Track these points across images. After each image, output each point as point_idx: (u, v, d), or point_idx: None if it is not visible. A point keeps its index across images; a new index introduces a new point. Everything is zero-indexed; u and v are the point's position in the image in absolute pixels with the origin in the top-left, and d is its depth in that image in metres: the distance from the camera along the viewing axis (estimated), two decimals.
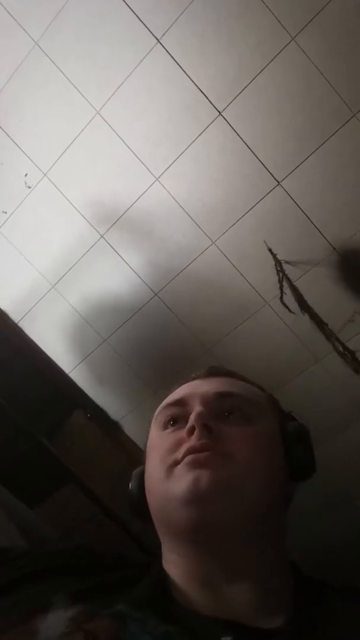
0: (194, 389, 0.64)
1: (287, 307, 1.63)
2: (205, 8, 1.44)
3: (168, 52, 1.49)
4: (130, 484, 0.66)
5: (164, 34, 1.48)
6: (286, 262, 1.69)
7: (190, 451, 0.54)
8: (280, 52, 1.45)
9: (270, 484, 0.56)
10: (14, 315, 1.95)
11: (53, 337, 1.97)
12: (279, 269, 1.61)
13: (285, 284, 1.60)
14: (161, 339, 1.90)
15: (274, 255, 1.61)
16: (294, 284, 1.60)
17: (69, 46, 1.53)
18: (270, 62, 1.47)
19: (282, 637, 0.48)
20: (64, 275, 1.86)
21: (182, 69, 1.51)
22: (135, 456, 1.87)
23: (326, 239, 1.66)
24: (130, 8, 1.47)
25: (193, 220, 1.70)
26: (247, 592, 0.51)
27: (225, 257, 1.74)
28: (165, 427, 0.62)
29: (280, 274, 1.59)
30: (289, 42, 1.44)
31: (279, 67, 1.47)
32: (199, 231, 1.71)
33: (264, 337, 1.80)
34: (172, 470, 0.55)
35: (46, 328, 1.96)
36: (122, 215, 1.73)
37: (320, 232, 1.66)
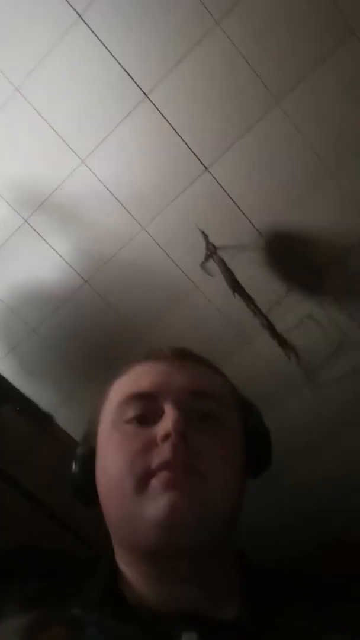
0: (164, 379, 0.59)
1: (206, 271, 1.65)
2: None
3: (90, 28, 1.43)
4: (73, 467, 0.62)
5: (85, 8, 1.41)
6: (215, 246, 1.72)
7: (165, 466, 0.51)
8: (204, 36, 1.45)
9: (239, 494, 0.56)
10: None
11: None
12: (210, 251, 1.63)
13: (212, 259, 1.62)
14: (93, 327, 1.86)
15: (205, 237, 1.63)
16: (228, 266, 1.63)
17: None
18: (195, 45, 1.46)
19: (238, 627, 0.48)
20: None
21: (106, 47, 1.46)
22: (70, 448, 1.83)
23: (252, 225, 1.70)
24: None
25: (122, 205, 1.67)
26: (200, 587, 0.51)
27: (156, 242, 1.73)
28: (130, 421, 0.57)
29: (210, 255, 1.61)
30: (213, 26, 1.44)
31: (204, 51, 1.47)
32: (128, 216, 1.69)
33: (195, 321, 1.82)
34: (143, 485, 0.51)
35: None
36: (46, 198, 1.65)
37: (247, 217, 1.69)
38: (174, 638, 0.44)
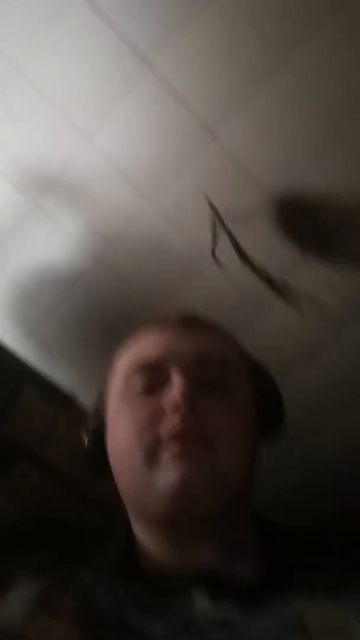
0: (170, 348, 0.58)
1: (218, 260, 1.62)
2: None
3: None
4: (85, 441, 0.63)
5: None
6: (225, 216, 1.68)
7: (175, 435, 0.51)
8: None
9: (251, 461, 0.56)
10: None
11: None
12: (218, 222, 1.59)
13: (221, 236, 1.58)
14: (107, 305, 1.86)
15: (213, 208, 1.59)
16: (234, 237, 1.60)
17: None
18: (197, 8, 1.40)
19: (254, 585, 0.48)
20: None
21: (105, 17, 1.41)
22: None
23: (264, 190, 1.66)
24: None
25: (129, 181, 1.64)
26: (216, 551, 0.52)
27: (165, 216, 1.70)
28: (137, 391, 0.57)
29: (218, 227, 1.58)
30: None
31: (206, 14, 1.40)
32: (136, 192, 1.66)
33: (210, 293, 1.80)
34: (153, 456, 0.51)
35: None
36: (53, 179, 1.64)
37: (257, 183, 1.65)
38: (185, 597, 0.44)
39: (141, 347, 0.61)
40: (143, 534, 0.55)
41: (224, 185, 1.64)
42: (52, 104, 1.53)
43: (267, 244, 1.72)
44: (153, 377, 0.56)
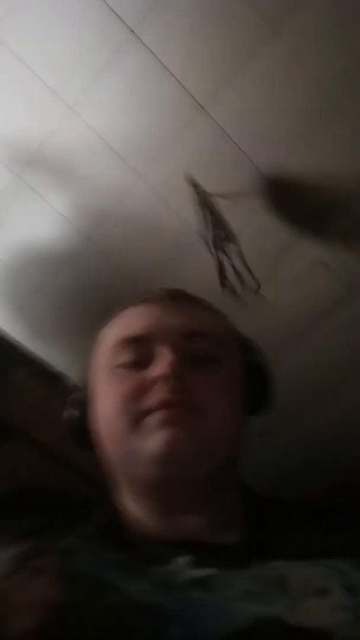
0: (157, 322, 0.57)
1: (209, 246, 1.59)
2: None
3: None
4: (68, 412, 0.62)
5: None
6: (217, 194, 1.66)
7: (162, 405, 0.51)
8: None
9: (238, 430, 0.56)
10: None
11: None
12: (203, 203, 1.56)
13: (210, 218, 1.55)
14: (97, 283, 1.84)
15: (196, 189, 1.56)
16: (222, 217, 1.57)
17: None
18: None
19: (237, 549, 0.49)
20: None
21: None
22: None
23: (256, 167, 1.63)
24: None
25: (117, 154, 1.61)
26: (202, 517, 0.52)
27: (155, 192, 1.67)
28: (123, 365, 0.56)
29: (204, 209, 1.55)
30: None
31: None
32: (125, 166, 1.62)
33: (201, 271, 1.78)
34: (139, 422, 0.51)
35: None
36: (38, 153, 1.60)
37: (249, 159, 1.62)
38: (169, 562, 0.44)
39: (129, 321, 0.60)
40: (130, 503, 0.55)
41: (215, 160, 1.62)
42: (35, 74, 1.47)
43: (258, 222, 1.70)
44: (140, 351, 0.56)
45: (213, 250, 1.57)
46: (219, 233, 1.55)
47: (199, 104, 1.52)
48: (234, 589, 0.41)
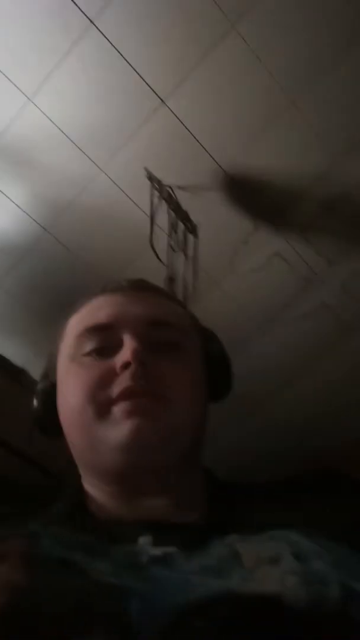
0: (121, 311, 0.58)
1: (154, 251, 1.60)
2: None
3: None
4: (35, 402, 0.63)
5: None
6: (178, 187, 1.67)
7: (127, 393, 0.52)
8: None
9: (202, 416, 0.58)
10: None
11: None
12: (159, 197, 1.56)
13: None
14: (58, 277, 1.82)
15: (150, 179, 1.56)
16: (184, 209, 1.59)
17: None
18: None
19: (196, 528, 0.51)
20: None
21: None
22: None
23: (215, 161, 1.65)
24: None
25: (77, 146, 1.59)
26: (165, 500, 0.54)
27: (115, 184, 1.66)
28: (88, 354, 0.56)
29: (157, 201, 1.55)
30: None
31: None
32: (84, 157, 1.61)
33: (162, 265, 1.79)
34: (105, 411, 0.52)
35: None
36: None
37: (208, 153, 1.63)
38: (131, 542, 0.46)
39: (92, 311, 0.61)
40: (94, 490, 0.56)
41: (175, 153, 1.62)
42: None
43: (218, 215, 1.72)
44: (104, 339, 0.57)
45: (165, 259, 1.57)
46: (180, 225, 1.56)
47: (159, 97, 1.53)
48: (192, 566, 0.42)
